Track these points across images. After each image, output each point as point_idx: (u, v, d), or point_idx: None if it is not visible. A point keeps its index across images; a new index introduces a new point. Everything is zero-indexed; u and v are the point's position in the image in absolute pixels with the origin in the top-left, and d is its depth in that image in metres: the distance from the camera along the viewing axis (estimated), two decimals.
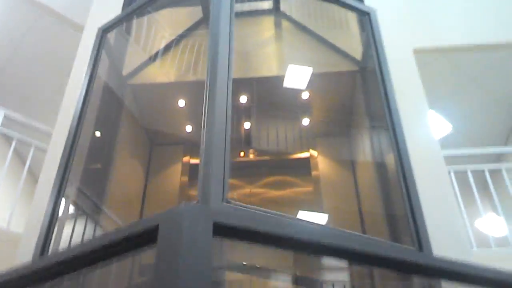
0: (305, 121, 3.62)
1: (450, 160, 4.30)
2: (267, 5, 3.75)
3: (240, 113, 3.02)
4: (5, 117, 4.76)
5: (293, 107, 3.53)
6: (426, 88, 3.22)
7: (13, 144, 4.78)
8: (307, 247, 1.55)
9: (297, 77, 3.47)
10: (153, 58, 3.69)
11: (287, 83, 3.48)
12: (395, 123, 2.58)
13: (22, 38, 6.17)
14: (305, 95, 3.59)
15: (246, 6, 3.45)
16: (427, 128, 3.00)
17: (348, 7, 3.44)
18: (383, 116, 2.64)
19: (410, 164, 2.42)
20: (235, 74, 2.14)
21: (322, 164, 3.73)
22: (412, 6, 4.75)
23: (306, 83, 3.48)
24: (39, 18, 5.87)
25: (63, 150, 2.69)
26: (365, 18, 3.29)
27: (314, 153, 3.76)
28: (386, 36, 2.99)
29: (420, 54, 3.80)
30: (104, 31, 3.37)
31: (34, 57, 6.35)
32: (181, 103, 3.72)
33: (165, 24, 3.88)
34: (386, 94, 2.70)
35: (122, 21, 3.49)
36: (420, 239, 2.14)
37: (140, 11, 3.38)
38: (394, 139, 2.51)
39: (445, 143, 5.68)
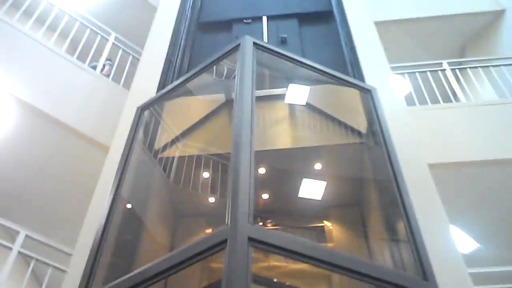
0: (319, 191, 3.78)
1: (478, 279, 4.28)
2: (282, 90, 4.36)
3: (257, 183, 3.33)
4: (26, 236, 4.89)
5: (306, 177, 3.78)
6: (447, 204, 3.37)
7: (32, 264, 4.89)
8: None
9: (309, 150, 3.89)
10: (182, 134, 4.20)
11: (300, 156, 3.86)
12: (415, 235, 2.70)
13: (48, 158, 6.43)
14: (317, 166, 3.93)
15: (265, 92, 3.95)
16: (450, 244, 3.02)
17: (353, 85, 4.06)
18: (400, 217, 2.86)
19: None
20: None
21: (336, 234, 3.94)
22: (425, 124, 5.44)
23: (317, 155, 3.83)
24: (65, 139, 6.16)
25: (83, 272, 2.74)
26: (368, 96, 3.88)
27: (328, 223, 3.93)
28: (400, 152, 3.28)
29: (435, 169, 4.16)
30: (142, 109, 4.03)
31: (58, 176, 6.54)
32: (205, 175, 4.05)
33: (194, 106, 4.56)
34: (401, 198, 2.93)
35: (157, 101, 4.14)
36: None
37: (171, 94, 4.09)
38: (415, 252, 2.62)
39: (472, 260, 5.71)
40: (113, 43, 7.44)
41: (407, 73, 6.95)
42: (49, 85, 6.20)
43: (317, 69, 3.92)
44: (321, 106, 4.22)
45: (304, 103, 4.28)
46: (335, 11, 5.80)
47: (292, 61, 3.94)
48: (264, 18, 5.86)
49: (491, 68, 6.83)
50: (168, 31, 5.71)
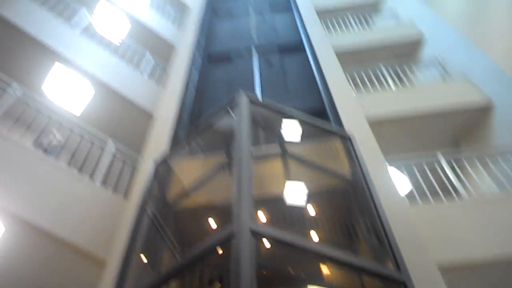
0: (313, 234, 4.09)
1: None
2: (276, 149, 4.78)
3: None
4: None
5: (300, 221, 4.10)
6: None
7: None
8: None
9: (301, 196, 4.20)
10: (191, 189, 4.56)
11: (293, 201, 4.15)
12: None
13: (45, 274, 6.26)
14: (310, 210, 4.26)
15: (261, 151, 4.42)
16: None
17: (334, 133, 4.74)
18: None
19: None
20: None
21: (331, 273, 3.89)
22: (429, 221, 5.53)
23: (309, 200, 4.20)
24: (61, 253, 6.04)
25: None
26: (349, 142, 4.41)
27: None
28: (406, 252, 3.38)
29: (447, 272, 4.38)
30: (158, 165, 4.59)
31: None
32: (212, 223, 4.25)
33: (200, 164, 4.97)
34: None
35: (171, 158, 4.78)
36: None
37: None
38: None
39: None
40: (113, 153, 7.53)
41: (404, 165, 6.99)
42: (47, 199, 6.15)
43: (304, 120, 4.60)
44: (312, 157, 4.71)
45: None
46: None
47: (282, 113, 4.57)
48: None
49: (487, 159, 6.88)
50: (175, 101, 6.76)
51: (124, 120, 9.21)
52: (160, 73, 10.39)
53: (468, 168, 6.91)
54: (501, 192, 6.38)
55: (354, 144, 4.44)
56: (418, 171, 6.86)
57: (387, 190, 4.68)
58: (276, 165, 4.62)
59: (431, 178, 6.71)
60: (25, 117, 7.10)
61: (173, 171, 4.99)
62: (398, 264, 3.09)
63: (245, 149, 3.34)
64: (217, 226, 4.23)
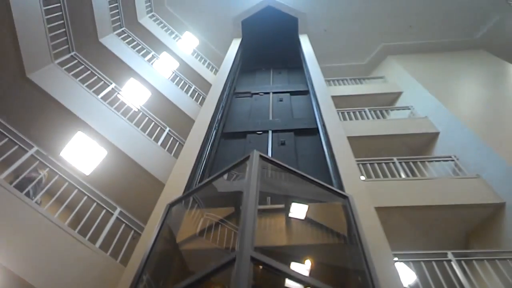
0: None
1: None
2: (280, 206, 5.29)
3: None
4: None
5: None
6: None
7: None
8: None
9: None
10: (200, 233, 4.88)
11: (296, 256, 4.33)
12: None
13: None
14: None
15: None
16: None
17: (334, 192, 5.11)
18: None
19: None
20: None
21: None
22: None
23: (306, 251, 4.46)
24: None
25: None
26: (346, 201, 4.88)
27: None
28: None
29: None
30: (170, 205, 5.00)
31: None
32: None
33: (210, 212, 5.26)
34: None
35: (181, 200, 5.21)
36: None
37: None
38: None
39: None
40: (117, 217, 7.55)
41: (412, 261, 6.85)
42: (45, 258, 6.10)
43: (307, 178, 5.03)
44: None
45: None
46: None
47: (287, 171, 5.09)
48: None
49: (497, 261, 6.70)
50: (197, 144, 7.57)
51: (133, 186, 9.31)
52: (178, 147, 10.65)
53: (477, 267, 6.71)
54: None
55: (351, 203, 4.84)
56: (426, 266, 6.69)
57: (390, 280, 4.55)
58: (280, 220, 4.98)
59: (439, 275, 6.54)
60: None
61: (184, 213, 5.42)
62: None
63: (253, 189, 4.00)
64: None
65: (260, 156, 4.83)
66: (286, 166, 5.11)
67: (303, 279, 3.38)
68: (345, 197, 5.00)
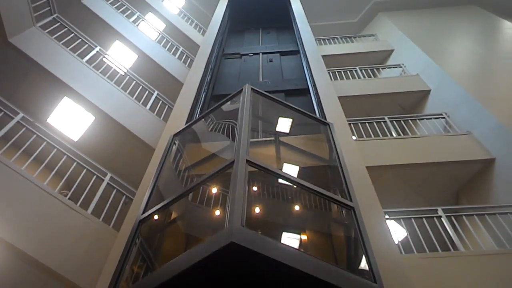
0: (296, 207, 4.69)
1: None
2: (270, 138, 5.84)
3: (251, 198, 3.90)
4: None
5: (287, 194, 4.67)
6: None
7: None
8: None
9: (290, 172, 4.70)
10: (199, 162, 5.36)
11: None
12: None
13: None
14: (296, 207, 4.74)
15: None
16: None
17: (316, 120, 5.97)
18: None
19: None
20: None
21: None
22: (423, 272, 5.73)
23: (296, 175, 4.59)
24: (48, 284, 6.00)
25: None
26: (328, 128, 5.61)
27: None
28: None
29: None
30: (174, 135, 5.77)
31: None
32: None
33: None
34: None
35: (184, 131, 5.94)
36: None
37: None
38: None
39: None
40: (108, 183, 7.49)
41: (403, 218, 6.93)
42: (37, 226, 6.06)
43: (295, 108, 5.79)
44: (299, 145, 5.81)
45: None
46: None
47: (279, 103, 5.82)
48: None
49: (486, 216, 6.79)
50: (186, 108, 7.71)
51: (122, 151, 9.23)
52: (167, 110, 10.50)
53: (467, 222, 6.81)
54: (499, 248, 6.25)
55: (332, 129, 5.57)
56: (417, 223, 6.78)
57: (382, 237, 4.58)
58: (271, 150, 5.39)
59: (429, 231, 6.62)
60: (22, 141, 7.12)
61: (187, 141, 6.04)
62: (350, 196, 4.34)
63: (246, 113, 4.73)
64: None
65: (252, 88, 5.53)
66: (275, 97, 5.82)
67: (291, 178, 4.10)
68: (326, 124, 5.83)
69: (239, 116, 4.78)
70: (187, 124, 6.26)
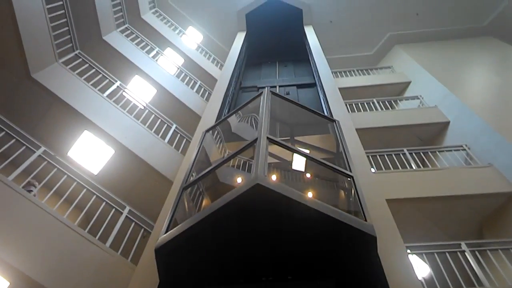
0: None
1: None
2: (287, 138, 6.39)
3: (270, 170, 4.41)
4: None
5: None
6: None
7: None
8: None
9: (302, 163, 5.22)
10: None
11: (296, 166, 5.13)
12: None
13: None
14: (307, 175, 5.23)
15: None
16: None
17: (325, 118, 6.83)
18: None
19: None
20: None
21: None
22: None
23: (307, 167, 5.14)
24: None
25: None
26: (334, 124, 6.26)
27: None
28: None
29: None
30: (206, 131, 6.53)
31: None
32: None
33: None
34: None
35: (214, 127, 6.78)
36: None
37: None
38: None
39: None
40: (126, 216, 7.51)
41: (425, 253, 6.77)
42: (56, 259, 6.08)
43: (306, 108, 6.63)
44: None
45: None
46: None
47: (292, 103, 6.70)
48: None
49: (511, 250, 6.60)
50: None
51: (141, 185, 9.27)
52: (185, 143, 10.59)
53: (491, 257, 6.61)
54: None
55: (339, 125, 6.17)
56: (440, 258, 6.61)
57: (404, 273, 4.46)
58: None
59: (453, 266, 6.45)
60: (43, 174, 7.21)
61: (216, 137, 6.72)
62: (350, 168, 4.94)
63: (267, 105, 5.62)
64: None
65: (271, 91, 6.34)
66: (291, 99, 6.77)
67: (305, 153, 4.96)
68: (333, 120, 6.46)
69: (260, 109, 5.64)
70: (217, 122, 7.26)
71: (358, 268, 3.72)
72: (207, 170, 4.95)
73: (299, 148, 5.46)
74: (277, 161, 4.96)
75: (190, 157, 5.88)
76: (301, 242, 3.70)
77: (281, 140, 5.06)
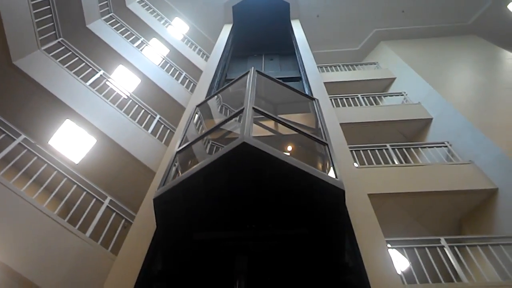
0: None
1: None
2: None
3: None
4: None
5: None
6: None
7: None
8: None
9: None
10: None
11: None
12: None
13: None
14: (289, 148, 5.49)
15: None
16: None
17: (305, 96, 7.29)
18: None
19: None
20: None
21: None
22: None
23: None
24: None
25: None
26: (314, 102, 6.51)
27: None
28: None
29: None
30: (197, 106, 6.74)
31: None
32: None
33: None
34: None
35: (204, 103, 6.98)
36: None
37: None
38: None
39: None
40: (107, 206, 7.44)
41: (405, 248, 6.84)
42: (34, 248, 6.00)
43: (290, 87, 6.86)
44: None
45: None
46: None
47: (276, 81, 6.88)
48: None
49: (490, 246, 6.70)
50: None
51: (123, 175, 9.19)
52: (169, 134, 10.51)
53: (470, 253, 6.71)
54: (503, 280, 6.14)
55: (318, 103, 6.42)
56: (419, 253, 6.68)
57: (383, 267, 4.50)
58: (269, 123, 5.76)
59: (432, 261, 6.52)
60: (22, 163, 7.10)
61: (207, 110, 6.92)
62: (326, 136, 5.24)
63: (253, 81, 5.90)
64: None
65: (257, 71, 6.59)
66: (274, 78, 6.95)
67: (288, 123, 5.08)
68: (313, 99, 6.70)
69: (247, 83, 5.92)
70: (208, 97, 7.58)
71: (329, 217, 4.09)
72: (198, 136, 5.44)
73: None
74: (262, 135, 5.28)
75: (180, 131, 6.25)
76: (281, 195, 4.06)
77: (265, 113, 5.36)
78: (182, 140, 5.45)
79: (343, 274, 4.32)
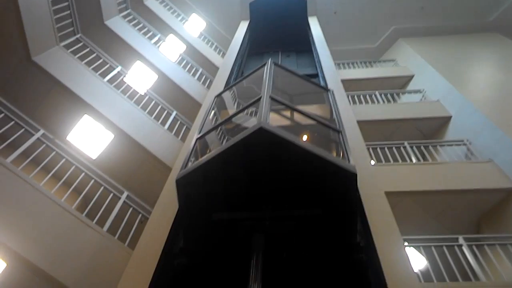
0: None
1: None
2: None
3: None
4: None
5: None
6: None
7: None
8: None
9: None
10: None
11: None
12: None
13: None
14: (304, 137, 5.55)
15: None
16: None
17: (321, 87, 7.19)
18: None
19: None
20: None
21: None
22: None
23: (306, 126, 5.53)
24: None
25: None
26: (329, 93, 6.61)
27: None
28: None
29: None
30: (216, 96, 6.86)
31: None
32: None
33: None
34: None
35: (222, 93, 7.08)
36: None
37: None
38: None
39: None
40: (124, 201, 7.50)
41: (422, 246, 6.77)
42: (52, 241, 6.08)
43: (305, 78, 7.01)
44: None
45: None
46: None
47: (291, 72, 7.02)
48: None
49: (509, 246, 6.59)
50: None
51: (139, 170, 9.25)
52: (185, 130, 10.56)
53: (489, 252, 6.61)
54: None
55: (333, 94, 6.53)
56: (437, 251, 6.61)
57: (400, 265, 4.46)
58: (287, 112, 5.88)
59: (450, 259, 6.45)
60: (41, 157, 7.19)
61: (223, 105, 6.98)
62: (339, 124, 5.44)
63: (270, 71, 6.00)
64: None
65: (274, 62, 6.67)
66: (290, 69, 7.08)
67: (304, 112, 5.23)
68: (328, 90, 6.80)
69: (264, 74, 6.04)
70: (226, 88, 7.81)
71: (341, 199, 4.23)
72: (219, 122, 5.72)
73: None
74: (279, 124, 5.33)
75: (198, 121, 6.52)
76: (296, 177, 4.22)
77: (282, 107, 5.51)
78: (201, 128, 5.64)
79: (356, 253, 4.43)
